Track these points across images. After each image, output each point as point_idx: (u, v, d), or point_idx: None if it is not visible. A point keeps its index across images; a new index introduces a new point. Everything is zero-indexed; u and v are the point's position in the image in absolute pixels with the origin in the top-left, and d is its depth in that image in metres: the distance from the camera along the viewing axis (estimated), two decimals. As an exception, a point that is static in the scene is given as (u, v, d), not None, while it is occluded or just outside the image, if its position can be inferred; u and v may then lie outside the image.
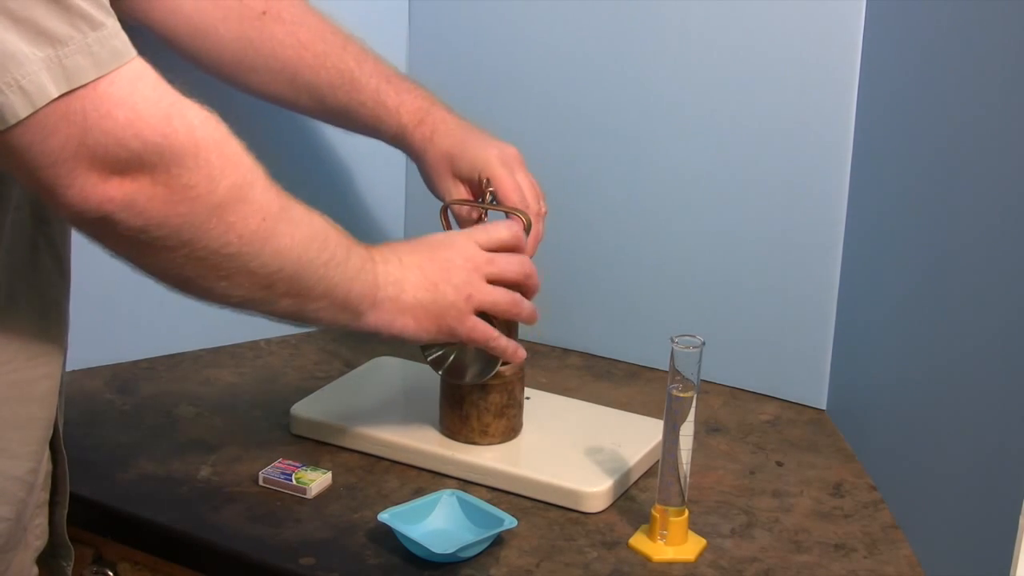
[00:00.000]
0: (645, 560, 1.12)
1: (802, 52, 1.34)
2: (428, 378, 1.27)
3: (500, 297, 1.15)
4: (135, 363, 1.45)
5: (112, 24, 0.83)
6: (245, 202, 0.92)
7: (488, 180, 1.25)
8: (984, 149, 1.05)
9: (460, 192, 1.26)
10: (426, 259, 1.11)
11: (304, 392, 1.37)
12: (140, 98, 0.84)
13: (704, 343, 1.09)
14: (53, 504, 1.06)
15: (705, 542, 1.14)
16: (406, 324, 1.10)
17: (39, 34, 0.80)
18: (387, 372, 1.41)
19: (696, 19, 1.38)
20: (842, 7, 1.30)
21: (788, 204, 1.38)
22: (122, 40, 0.84)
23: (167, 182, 0.86)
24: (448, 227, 1.26)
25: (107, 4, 0.84)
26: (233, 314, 1.47)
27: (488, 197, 1.24)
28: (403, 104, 1.27)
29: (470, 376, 1.22)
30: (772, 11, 1.34)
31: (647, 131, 1.43)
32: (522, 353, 1.20)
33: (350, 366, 1.44)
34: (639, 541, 1.14)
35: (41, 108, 0.81)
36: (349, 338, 1.53)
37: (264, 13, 1.24)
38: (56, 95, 0.81)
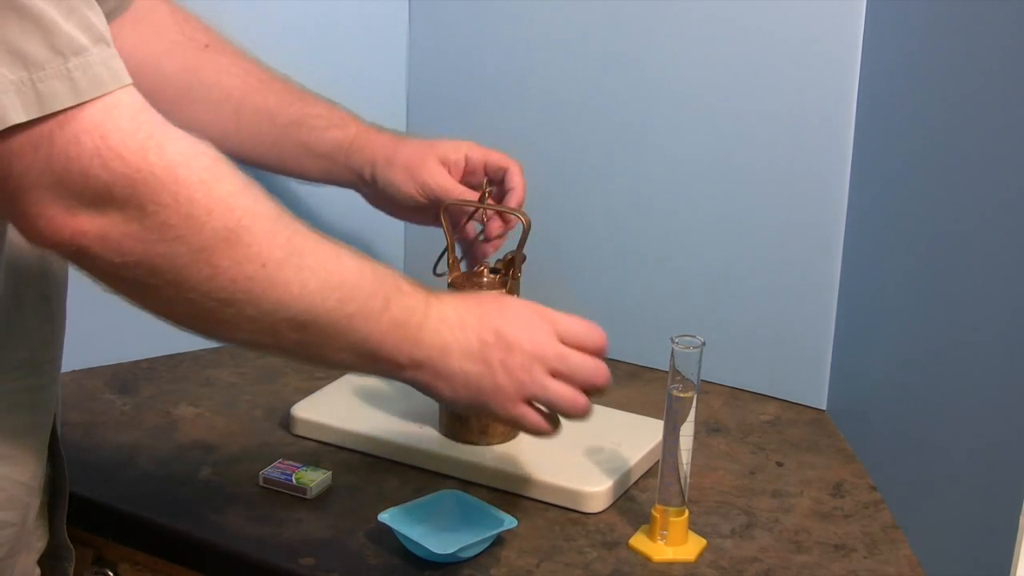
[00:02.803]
0: (645, 560, 1.12)
1: (802, 52, 1.34)
2: (428, 378, 1.26)
3: (559, 395, 1.02)
4: (135, 363, 1.45)
5: (99, 52, 0.80)
6: (238, 247, 0.85)
7: (488, 180, 1.25)
8: (985, 149, 1.05)
9: (446, 177, 1.24)
10: (490, 329, 1.00)
11: (304, 392, 1.37)
12: (112, 127, 0.80)
13: (704, 343, 1.09)
14: (53, 506, 1.06)
15: (705, 542, 1.14)
16: (442, 389, 1.00)
17: (14, 55, 0.77)
18: (387, 372, 1.41)
19: (696, 18, 1.38)
20: (842, 8, 1.30)
21: (788, 204, 1.38)
22: (110, 68, 0.81)
23: (141, 219, 0.81)
24: (448, 227, 1.26)
25: (102, 30, 0.81)
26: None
27: (487, 197, 1.24)
28: (357, 116, 1.27)
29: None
30: (772, 8, 1.34)
31: (647, 131, 1.43)
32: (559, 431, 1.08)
33: (350, 366, 1.44)
34: (639, 541, 1.14)
35: (3, 131, 0.77)
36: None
37: (207, 46, 1.23)
38: (23, 120, 0.77)
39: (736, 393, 1.45)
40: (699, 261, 1.44)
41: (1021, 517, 0.94)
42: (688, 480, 1.13)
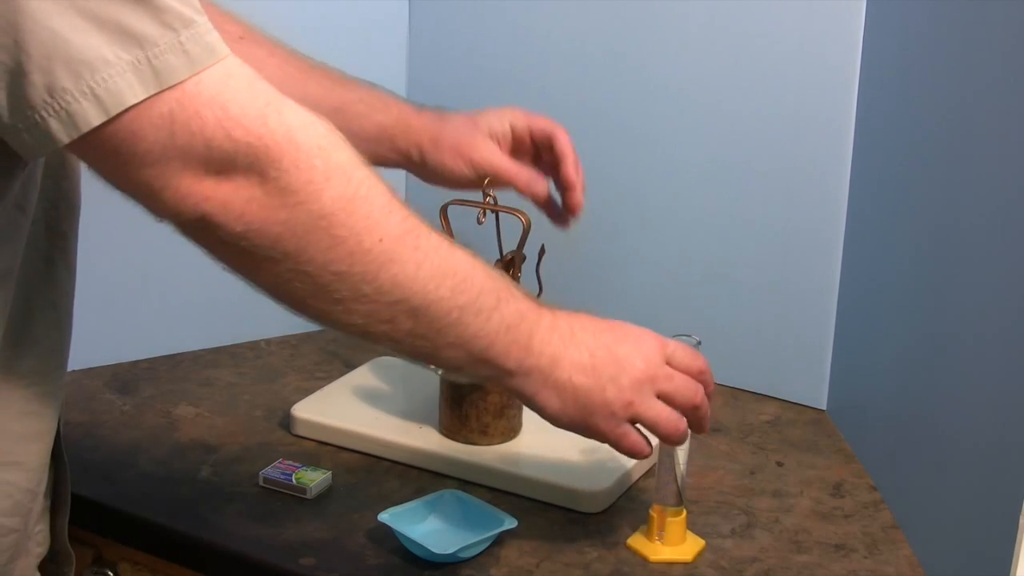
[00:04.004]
0: (644, 560, 1.12)
1: (802, 53, 1.34)
2: (428, 378, 1.27)
3: (663, 417, 1.02)
4: (135, 363, 1.45)
5: (203, 21, 0.80)
6: (356, 216, 0.85)
7: (490, 180, 1.25)
8: (985, 149, 1.05)
9: (496, 153, 1.23)
10: (602, 345, 0.99)
11: (304, 392, 1.37)
12: (231, 97, 0.81)
13: (700, 342, 1.09)
14: (54, 511, 1.06)
15: (704, 543, 1.14)
16: (549, 400, 0.98)
17: (126, 36, 0.77)
18: (387, 372, 1.41)
19: (696, 18, 1.38)
20: (842, 9, 1.30)
21: (788, 205, 1.38)
22: (215, 37, 0.81)
23: (263, 184, 0.82)
24: (448, 227, 1.26)
25: (197, 2, 0.81)
26: (233, 314, 1.48)
27: (489, 197, 1.24)
28: (400, 98, 1.26)
29: (470, 376, 1.22)
30: (772, 9, 1.34)
31: (647, 132, 1.43)
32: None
33: (350, 366, 1.44)
34: (637, 541, 1.14)
35: (123, 113, 0.78)
36: (349, 338, 1.53)
37: (242, 38, 1.22)
38: (141, 98, 0.78)
39: (736, 393, 1.45)
40: (699, 261, 1.44)
41: (1021, 517, 0.94)
42: (685, 480, 1.13)
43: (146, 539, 1.18)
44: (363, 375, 1.41)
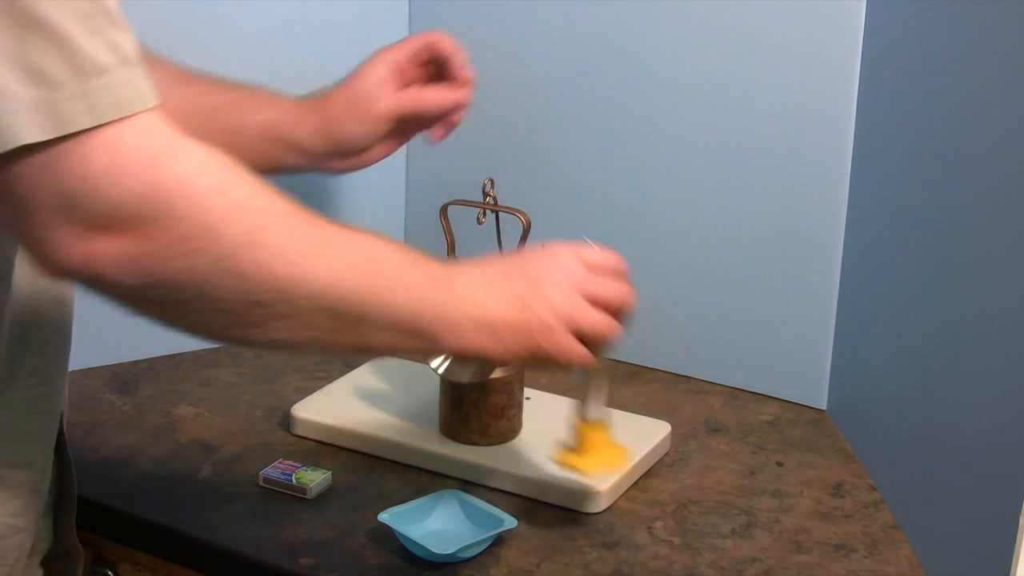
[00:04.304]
0: (643, 562, 1.12)
1: (802, 53, 1.34)
2: (428, 378, 1.26)
3: (601, 321, 1.01)
4: (135, 363, 1.45)
5: (125, 72, 0.77)
6: (261, 248, 0.82)
7: (490, 182, 1.25)
8: (985, 150, 1.05)
9: (393, 94, 1.22)
10: (518, 273, 0.98)
11: (304, 392, 1.37)
12: (124, 144, 0.76)
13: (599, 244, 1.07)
14: (59, 508, 1.06)
15: (627, 451, 1.14)
16: (489, 344, 0.96)
17: (32, 73, 0.74)
18: (387, 372, 1.41)
19: (696, 19, 1.38)
20: (842, 9, 1.30)
21: (788, 204, 1.38)
22: (135, 89, 0.77)
23: (157, 236, 0.78)
24: (448, 227, 1.26)
25: (128, 51, 0.78)
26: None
27: (489, 197, 1.25)
28: (276, 96, 1.24)
29: (470, 376, 1.22)
30: (772, 9, 1.34)
31: (647, 133, 1.43)
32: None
33: (350, 366, 1.44)
34: (565, 457, 1.12)
35: (12, 150, 0.74)
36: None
37: None
38: (35, 140, 0.74)
39: (736, 393, 1.45)
40: (699, 262, 1.44)
41: (1021, 517, 0.94)
42: (607, 392, 1.11)
43: (146, 539, 1.18)
44: (363, 375, 1.41)
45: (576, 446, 1.12)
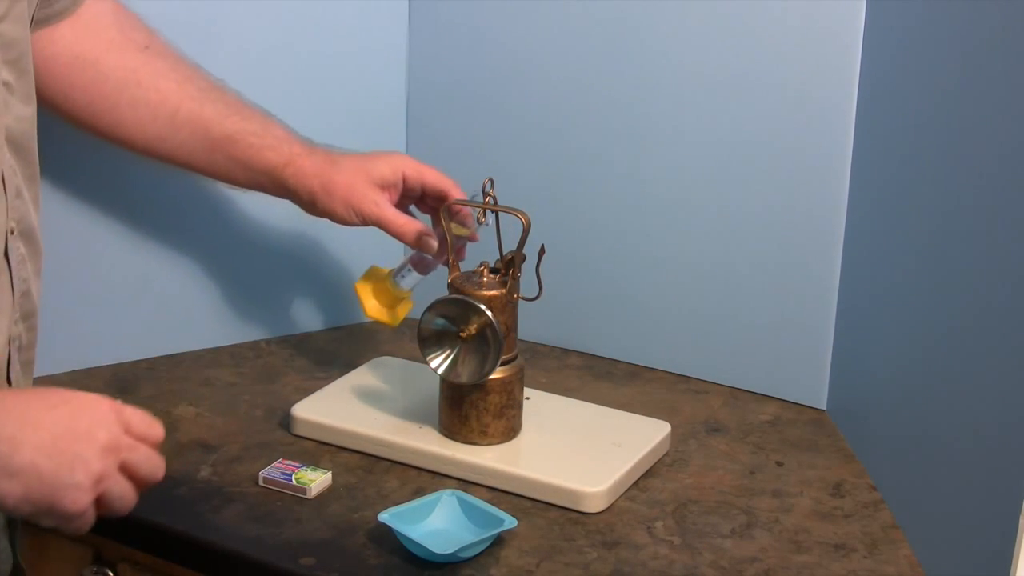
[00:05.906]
0: (643, 561, 1.12)
1: (802, 51, 1.34)
2: (428, 378, 1.27)
3: (128, 492, 0.93)
4: (135, 363, 1.45)
5: None
6: None
7: (490, 182, 1.25)
8: (985, 147, 1.05)
9: (384, 199, 1.26)
10: (60, 420, 0.90)
11: (304, 392, 1.37)
12: None
13: (492, 180, 1.23)
14: (12, 525, 1.05)
15: (411, 305, 1.34)
16: (10, 490, 0.87)
17: None
18: (387, 372, 1.41)
19: (696, 17, 1.38)
20: (842, 7, 1.30)
21: (788, 203, 1.38)
22: None
23: None
24: (448, 227, 1.26)
25: None
26: (233, 314, 1.49)
27: (488, 197, 1.25)
28: (291, 133, 1.28)
29: (469, 376, 1.22)
30: (772, 7, 1.34)
31: (647, 130, 1.43)
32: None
33: (350, 366, 1.44)
34: (375, 312, 1.34)
35: None
36: (349, 338, 1.53)
37: (147, 47, 1.23)
38: None
39: (736, 393, 1.45)
40: (699, 260, 1.44)
41: (1021, 517, 0.94)
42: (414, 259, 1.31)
43: (146, 539, 1.18)
44: (363, 375, 1.41)
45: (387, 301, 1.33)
